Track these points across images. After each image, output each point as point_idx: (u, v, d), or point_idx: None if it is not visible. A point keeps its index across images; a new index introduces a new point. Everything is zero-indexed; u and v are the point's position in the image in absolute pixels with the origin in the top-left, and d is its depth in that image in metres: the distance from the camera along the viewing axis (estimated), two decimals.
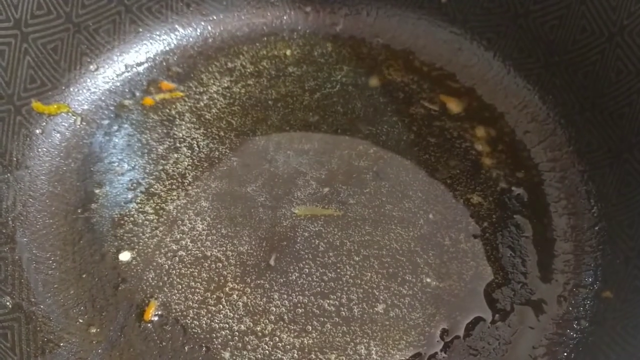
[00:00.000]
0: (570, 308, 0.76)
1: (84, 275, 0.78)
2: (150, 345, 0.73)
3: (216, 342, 0.73)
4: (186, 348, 0.72)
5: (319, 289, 0.76)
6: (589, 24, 0.86)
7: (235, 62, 1.01)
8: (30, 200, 0.84)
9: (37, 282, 0.77)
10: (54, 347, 0.72)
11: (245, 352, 0.72)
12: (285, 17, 1.07)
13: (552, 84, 0.91)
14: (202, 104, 0.95)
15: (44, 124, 0.90)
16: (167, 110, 0.95)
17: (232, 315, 0.74)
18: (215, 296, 0.76)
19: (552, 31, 0.90)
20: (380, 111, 0.95)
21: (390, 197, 0.85)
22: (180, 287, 0.77)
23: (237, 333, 0.73)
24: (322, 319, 0.74)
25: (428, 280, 0.78)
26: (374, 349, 0.72)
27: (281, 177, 0.87)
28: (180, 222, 0.82)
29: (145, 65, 1.00)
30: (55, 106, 0.91)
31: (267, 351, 0.72)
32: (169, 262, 0.79)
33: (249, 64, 1.01)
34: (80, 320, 0.75)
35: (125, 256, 0.80)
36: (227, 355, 0.72)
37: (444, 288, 0.77)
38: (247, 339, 0.73)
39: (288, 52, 1.02)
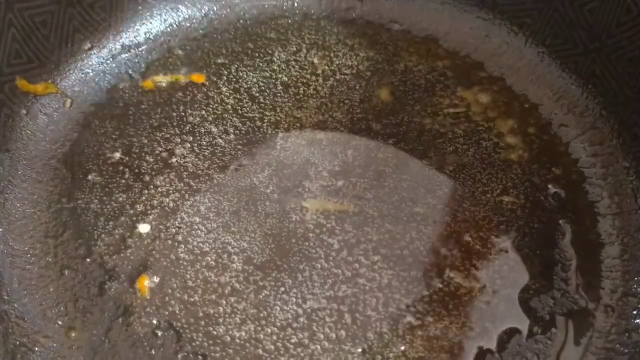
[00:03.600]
0: (620, 319, 0.66)
1: (65, 272, 0.70)
2: (138, 353, 0.64)
3: (214, 351, 0.63)
4: (179, 356, 0.63)
5: (331, 293, 0.67)
6: (635, 3, 0.77)
7: (243, 46, 0.92)
8: (9, 186, 0.75)
9: (12, 278, 0.69)
10: (27, 352, 0.63)
11: None
12: (297, 0, 0.98)
13: (592, 72, 0.83)
14: (204, 89, 0.87)
15: (30, 104, 0.81)
16: (166, 95, 0.86)
17: (232, 320, 0.65)
18: (214, 298, 0.67)
19: (592, 13, 0.82)
20: (401, 100, 0.86)
21: (412, 192, 0.76)
22: (175, 287, 0.68)
23: (238, 340, 0.64)
24: (335, 326, 0.65)
25: (455, 284, 0.68)
26: None
27: (290, 167, 0.78)
28: (177, 215, 0.74)
29: (145, 46, 0.92)
30: (43, 86, 0.82)
31: None
32: (163, 260, 0.70)
33: (257, 48, 0.92)
34: (60, 322, 0.66)
35: (145, 228, 0.73)
36: None
37: (474, 294, 0.68)
38: (249, 348, 0.63)
39: (300, 37, 0.94)
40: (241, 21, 0.96)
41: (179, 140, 0.81)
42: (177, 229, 0.72)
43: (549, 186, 0.77)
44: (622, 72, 0.79)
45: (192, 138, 0.81)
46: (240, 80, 0.88)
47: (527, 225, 0.74)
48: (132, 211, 0.74)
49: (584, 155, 0.80)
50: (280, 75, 0.88)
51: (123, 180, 0.77)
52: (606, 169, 0.78)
